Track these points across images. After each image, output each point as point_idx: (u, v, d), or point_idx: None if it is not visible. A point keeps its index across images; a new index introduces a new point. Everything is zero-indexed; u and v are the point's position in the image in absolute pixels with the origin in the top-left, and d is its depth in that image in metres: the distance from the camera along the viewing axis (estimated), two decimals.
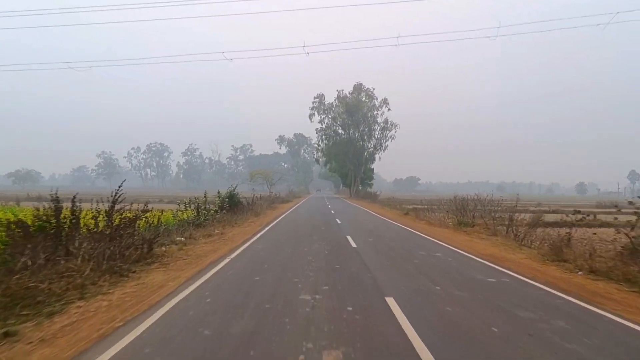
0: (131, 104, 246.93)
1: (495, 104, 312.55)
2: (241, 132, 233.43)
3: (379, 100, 59.83)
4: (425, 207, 25.21)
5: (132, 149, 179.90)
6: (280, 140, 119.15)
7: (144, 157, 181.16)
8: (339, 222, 16.74)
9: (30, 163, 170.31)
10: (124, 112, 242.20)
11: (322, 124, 61.32)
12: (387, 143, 60.65)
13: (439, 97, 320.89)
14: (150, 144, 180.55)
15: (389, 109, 59.23)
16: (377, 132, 60.85)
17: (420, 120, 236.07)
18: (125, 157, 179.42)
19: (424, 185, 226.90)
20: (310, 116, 60.39)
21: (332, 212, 23.95)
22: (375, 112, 60.47)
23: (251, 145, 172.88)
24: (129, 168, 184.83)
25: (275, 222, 16.90)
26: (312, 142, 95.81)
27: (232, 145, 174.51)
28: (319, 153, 63.98)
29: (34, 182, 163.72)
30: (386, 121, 59.83)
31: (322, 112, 60.35)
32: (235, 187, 21.49)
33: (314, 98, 60.25)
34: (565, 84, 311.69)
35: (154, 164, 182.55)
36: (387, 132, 60.22)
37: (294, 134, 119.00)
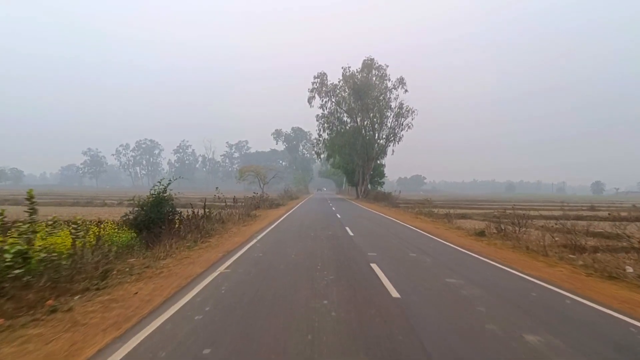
0: (121, 98, 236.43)
1: (499, 103, 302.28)
2: (237, 128, 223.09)
3: (393, 80, 49.10)
4: (473, 211, 14.63)
5: (121, 145, 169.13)
6: (277, 134, 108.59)
7: (133, 154, 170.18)
8: (389, 286, 5.82)
9: (19, 161, 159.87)
10: (112, 107, 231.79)
11: (324, 110, 50.47)
12: (402, 133, 49.94)
13: (441, 94, 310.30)
14: (140, 140, 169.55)
15: (406, 91, 48.46)
16: (390, 120, 50.15)
17: (422, 117, 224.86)
18: (113, 154, 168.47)
19: (429, 184, 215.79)
20: (310, 100, 49.60)
21: (350, 232, 13.09)
22: (389, 95, 49.77)
23: (247, 142, 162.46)
24: (117, 166, 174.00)
25: (212, 278, 6.18)
26: (312, 137, 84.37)
27: (227, 142, 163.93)
28: (320, 145, 52.92)
29: (15, 180, 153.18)
30: (401, 106, 49.08)
31: (323, 94, 49.54)
32: (167, 186, 10.95)
33: (314, 77, 49.49)
34: (565, 79, 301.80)
35: (144, 162, 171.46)
36: (402, 119, 49.48)
37: (292, 128, 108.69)
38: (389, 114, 50.07)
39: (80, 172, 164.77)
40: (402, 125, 49.38)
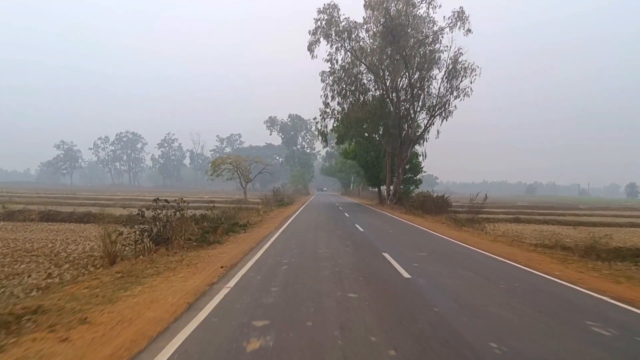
0: (103, 86, 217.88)
1: (507, 102, 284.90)
2: (229, 120, 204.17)
3: (446, 17, 30.40)
4: None
5: (99, 139, 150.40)
6: (271, 123, 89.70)
7: (113, 148, 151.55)
8: None
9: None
10: (95, 96, 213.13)
11: (333, 64, 31.77)
12: (454, 103, 31.48)
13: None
14: (121, 133, 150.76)
15: (468, 31, 29.77)
16: (439, 83, 31.61)
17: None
18: (90, 148, 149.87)
19: (441, 185, 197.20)
20: (311, 46, 30.79)
21: None
22: (437, 44, 31.18)
23: (240, 136, 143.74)
24: (94, 161, 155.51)
25: None
26: (312, 127, 64.66)
27: (218, 136, 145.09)
28: (327, 119, 33.99)
29: None
30: (456, 59, 30.51)
31: (333, 36, 30.85)
32: None
33: (318, 12, 30.81)
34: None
35: (125, 157, 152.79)
36: (457, 81, 31.01)
37: (289, 115, 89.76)
38: (436, 73, 31.62)
39: (52, 168, 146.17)
40: (458, 90, 30.90)
